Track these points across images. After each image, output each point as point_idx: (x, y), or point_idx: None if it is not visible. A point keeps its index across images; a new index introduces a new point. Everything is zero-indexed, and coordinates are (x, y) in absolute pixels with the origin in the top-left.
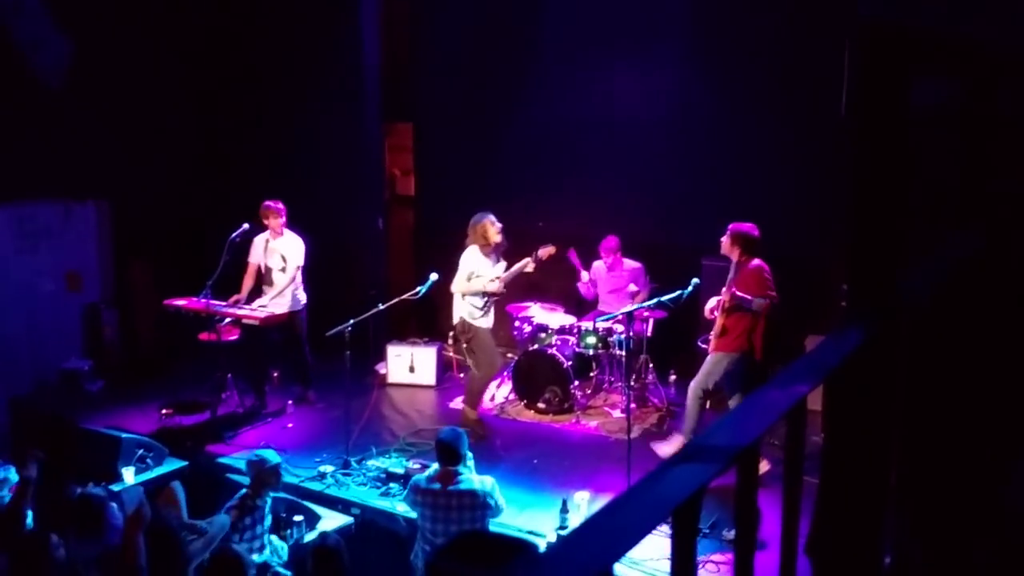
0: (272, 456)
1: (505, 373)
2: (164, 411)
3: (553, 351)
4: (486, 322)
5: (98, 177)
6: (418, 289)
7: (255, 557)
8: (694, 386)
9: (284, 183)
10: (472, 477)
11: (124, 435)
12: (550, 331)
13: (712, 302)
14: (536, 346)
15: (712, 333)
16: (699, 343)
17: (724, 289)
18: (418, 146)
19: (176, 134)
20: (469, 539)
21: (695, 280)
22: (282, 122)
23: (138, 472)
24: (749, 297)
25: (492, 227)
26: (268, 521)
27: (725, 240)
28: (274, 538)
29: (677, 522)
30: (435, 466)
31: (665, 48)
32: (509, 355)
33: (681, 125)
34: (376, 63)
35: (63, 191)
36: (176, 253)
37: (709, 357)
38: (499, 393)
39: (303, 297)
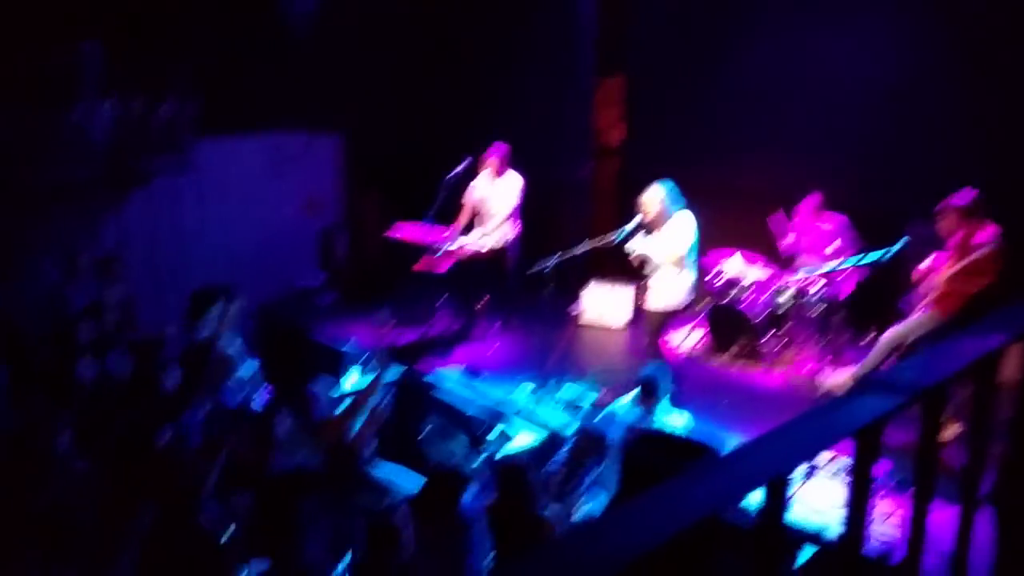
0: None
1: (699, 319)
2: (383, 326)
3: (748, 302)
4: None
5: (338, 113)
6: (617, 233)
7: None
8: (890, 336)
9: (501, 126)
10: (666, 417)
11: (349, 345)
12: (746, 282)
13: (927, 262)
14: (730, 298)
15: (927, 293)
16: (900, 305)
17: (948, 254)
18: (628, 99)
19: (406, 76)
20: (660, 435)
21: (905, 238)
22: (502, 69)
23: (361, 375)
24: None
25: None
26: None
27: (947, 219)
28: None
29: (860, 443)
30: (634, 393)
31: (879, 5)
32: (704, 302)
33: (892, 86)
34: (592, 17)
35: (308, 124)
36: (402, 185)
37: (919, 315)
38: (691, 338)
39: (512, 234)
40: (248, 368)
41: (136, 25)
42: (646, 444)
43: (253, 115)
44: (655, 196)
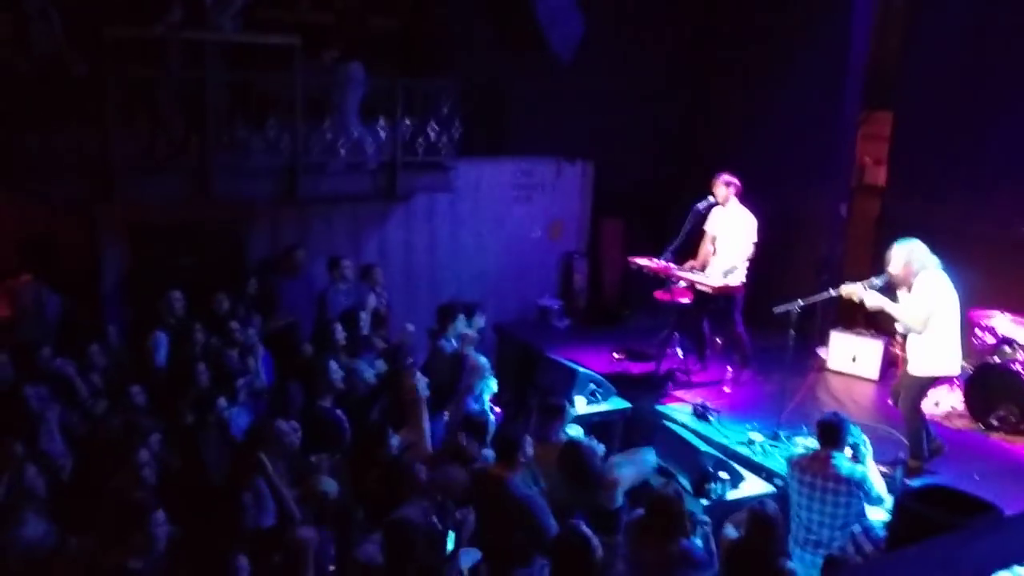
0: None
1: (957, 382)
2: (616, 355)
3: (1017, 367)
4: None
5: (587, 141)
6: (873, 280)
7: None
8: None
9: (754, 159)
10: (844, 463)
11: (581, 369)
12: (1016, 346)
13: None
14: (997, 359)
15: None
16: None
17: None
18: (895, 136)
19: (659, 107)
20: (939, 489)
21: None
22: (760, 100)
23: (588, 403)
24: None
25: None
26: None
27: None
28: None
29: None
30: (815, 446)
31: None
32: (964, 364)
33: None
34: (863, 51)
35: (558, 151)
36: (645, 215)
37: None
38: (946, 400)
39: (742, 273)
40: (488, 383)
41: (409, 49)
42: (924, 496)
43: (509, 140)
44: (899, 254)
